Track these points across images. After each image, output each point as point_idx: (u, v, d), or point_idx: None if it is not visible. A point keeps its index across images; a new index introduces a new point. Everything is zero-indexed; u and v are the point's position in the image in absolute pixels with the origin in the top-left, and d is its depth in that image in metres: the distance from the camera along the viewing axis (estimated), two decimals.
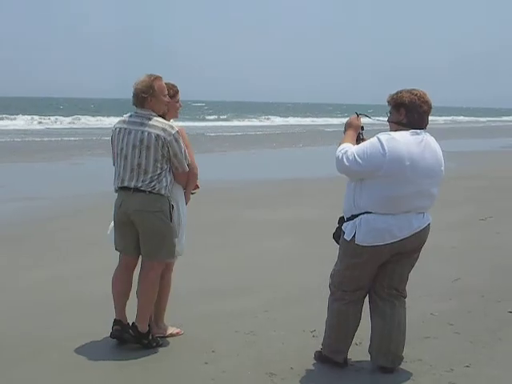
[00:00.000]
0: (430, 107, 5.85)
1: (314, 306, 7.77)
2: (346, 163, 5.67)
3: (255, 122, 71.58)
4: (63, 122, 58.37)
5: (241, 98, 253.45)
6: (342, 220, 5.98)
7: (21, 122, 55.39)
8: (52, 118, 60.98)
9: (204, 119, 71.95)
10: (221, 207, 15.11)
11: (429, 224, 5.91)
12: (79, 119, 61.96)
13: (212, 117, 77.55)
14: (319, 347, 6.21)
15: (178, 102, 6.79)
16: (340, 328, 6.00)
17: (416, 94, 5.79)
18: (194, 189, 6.85)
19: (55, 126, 52.47)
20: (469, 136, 53.40)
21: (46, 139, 37.10)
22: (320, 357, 6.17)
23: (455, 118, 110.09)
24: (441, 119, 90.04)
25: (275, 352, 6.43)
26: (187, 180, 6.66)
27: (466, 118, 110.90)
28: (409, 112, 5.77)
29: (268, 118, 79.63)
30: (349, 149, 5.74)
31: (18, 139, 36.42)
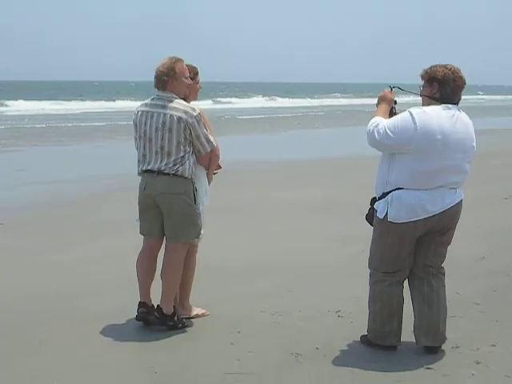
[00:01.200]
0: (463, 83, 5.83)
1: (338, 285, 7.81)
2: (377, 137, 5.66)
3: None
4: (85, 106, 58.58)
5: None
6: (374, 201, 5.96)
7: (43, 105, 55.66)
8: (73, 102, 61.35)
9: (218, 101, 71.34)
10: (246, 188, 15.19)
11: (461, 200, 5.88)
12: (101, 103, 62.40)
13: (230, 99, 76.91)
14: (365, 332, 6.13)
15: (198, 83, 6.80)
16: (384, 310, 5.93)
17: (450, 69, 5.76)
18: (217, 169, 6.87)
19: (76, 111, 52.42)
20: (493, 114, 53.13)
21: (65, 124, 37.21)
22: (367, 341, 6.10)
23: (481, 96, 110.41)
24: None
25: (300, 332, 6.44)
26: (209, 161, 6.67)
27: (491, 97, 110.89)
28: (442, 86, 5.75)
29: (273, 99, 79.67)
30: (380, 122, 5.73)
31: (40, 124, 36.47)
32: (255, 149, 25.60)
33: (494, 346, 6.09)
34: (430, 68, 5.85)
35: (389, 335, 5.96)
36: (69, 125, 36.08)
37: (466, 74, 5.84)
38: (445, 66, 5.79)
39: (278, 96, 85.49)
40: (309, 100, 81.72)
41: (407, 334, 6.07)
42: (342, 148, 23.75)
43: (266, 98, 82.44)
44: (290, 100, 79.55)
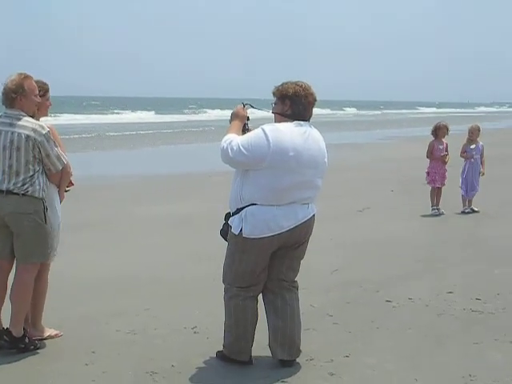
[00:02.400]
0: (314, 99, 5.92)
1: (195, 302, 7.78)
2: (231, 154, 5.66)
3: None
4: None
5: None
6: (228, 216, 5.96)
7: None
8: None
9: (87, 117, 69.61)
10: (105, 204, 15.00)
11: (314, 215, 5.96)
12: None
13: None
14: (221, 347, 6.12)
15: (48, 100, 6.66)
16: (238, 325, 5.94)
17: (301, 86, 5.84)
18: (68, 186, 6.73)
19: None
20: (350, 128, 54.57)
21: None
22: (223, 357, 6.10)
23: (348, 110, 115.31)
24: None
25: (156, 350, 6.37)
26: (60, 179, 6.52)
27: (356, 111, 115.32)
28: (293, 103, 5.81)
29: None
30: (234, 139, 5.73)
31: None
32: (117, 165, 25.31)
33: (347, 356, 6.21)
34: (282, 85, 5.91)
35: (244, 350, 5.98)
36: None
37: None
38: (296, 83, 5.87)
39: (153, 111, 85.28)
40: (183, 115, 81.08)
41: (263, 348, 6.11)
42: (203, 163, 23.77)
43: (145, 112, 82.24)
44: (171, 115, 78.16)
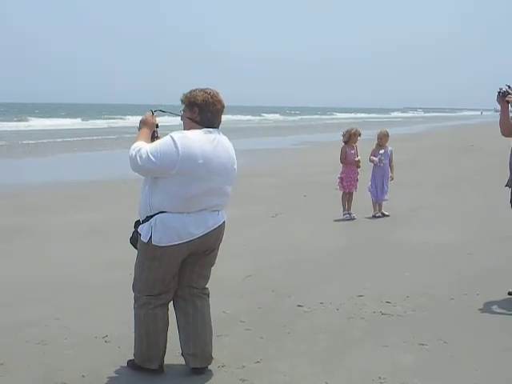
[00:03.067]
0: (223, 106, 5.93)
1: (106, 311, 7.73)
2: (139, 162, 5.62)
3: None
4: None
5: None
6: (138, 223, 5.92)
7: None
8: None
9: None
10: (16, 212, 14.79)
11: (224, 222, 5.98)
12: None
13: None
14: (132, 356, 6.08)
15: None
16: (150, 334, 5.90)
17: (209, 93, 5.84)
18: None
19: None
20: (263, 134, 54.80)
21: None
22: (134, 366, 6.06)
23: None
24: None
25: (67, 360, 6.29)
26: None
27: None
28: (202, 111, 5.81)
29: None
30: (142, 147, 5.70)
31: None
32: (29, 173, 24.90)
33: (258, 362, 6.24)
34: (190, 93, 5.91)
35: (155, 358, 5.96)
36: None
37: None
38: (204, 91, 5.87)
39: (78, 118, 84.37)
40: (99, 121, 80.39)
41: (175, 356, 6.11)
42: (120, 170, 23.58)
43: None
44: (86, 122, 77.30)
